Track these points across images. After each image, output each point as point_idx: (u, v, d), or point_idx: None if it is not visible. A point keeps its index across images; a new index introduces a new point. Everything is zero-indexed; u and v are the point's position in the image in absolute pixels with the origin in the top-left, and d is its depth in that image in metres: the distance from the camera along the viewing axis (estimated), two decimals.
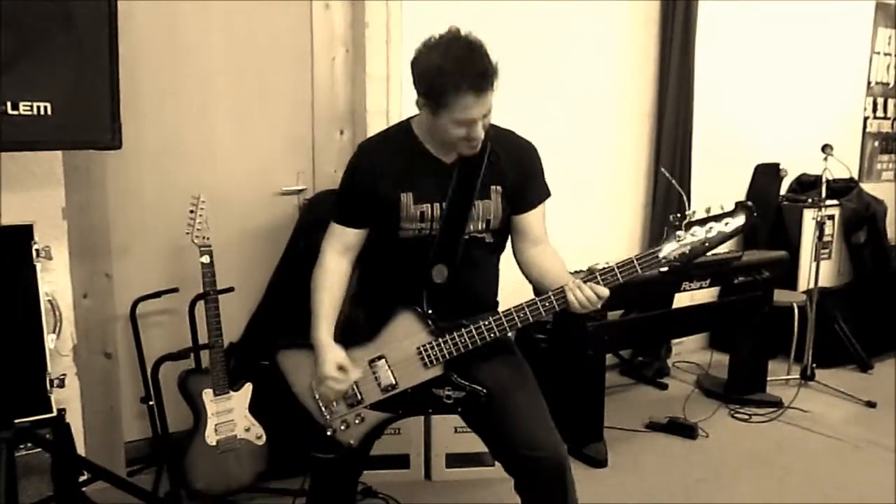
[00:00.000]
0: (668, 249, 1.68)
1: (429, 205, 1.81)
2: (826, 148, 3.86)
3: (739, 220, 1.69)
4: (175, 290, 2.72)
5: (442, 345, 1.79)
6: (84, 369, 2.62)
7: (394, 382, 1.83)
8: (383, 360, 1.84)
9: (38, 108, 1.83)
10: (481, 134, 1.72)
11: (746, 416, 3.47)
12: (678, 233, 1.68)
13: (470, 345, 1.77)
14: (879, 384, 3.94)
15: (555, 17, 3.63)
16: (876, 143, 5.52)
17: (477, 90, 1.64)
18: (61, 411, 2.23)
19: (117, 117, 1.98)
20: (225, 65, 2.88)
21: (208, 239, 2.42)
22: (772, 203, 4.53)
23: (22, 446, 2.23)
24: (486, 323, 1.76)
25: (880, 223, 4.88)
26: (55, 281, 2.48)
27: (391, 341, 1.83)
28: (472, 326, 1.77)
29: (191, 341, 2.65)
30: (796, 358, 3.94)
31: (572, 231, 3.54)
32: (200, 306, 2.51)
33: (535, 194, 1.91)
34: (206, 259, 2.42)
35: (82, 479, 2.40)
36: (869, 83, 5.33)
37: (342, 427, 1.87)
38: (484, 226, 1.86)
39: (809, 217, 4.34)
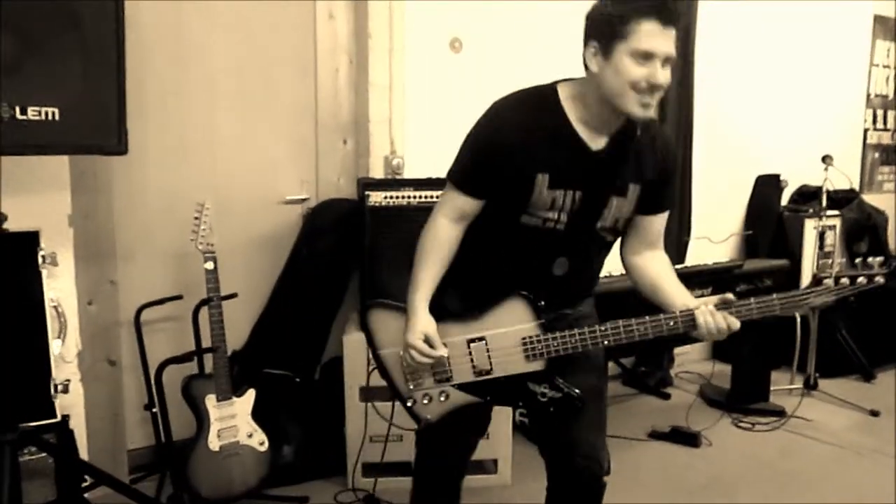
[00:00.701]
0: (818, 300, 1.63)
1: (563, 192, 1.63)
2: (826, 158, 3.88)
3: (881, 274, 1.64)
4: (179, 298, 2.73)
5: (550, 341, 1.68)
6: (88, 375, 2.63)
7: (489, 368, 1.74)
8: (483, 343, 1.73)
9: (47, 112, 1.85)
10: (664, 80, 1.51)
11: (749, 425, 3.47)
12: (826, 281, 1.62)
13: (580, 347, 1.67)
14: (882, 393, 3.93)
15: (555, 28, 3.66)
16: (876, 155, 5.54)
17: (663, 20, 1.48)
18: (65, 417, 2.25)
19: (124, 122, 1.99)
20: (229, 73, 2.92)
21: (212, 245, 2.44)
22: (773, 213, 4.54)
23: (26, 451, 2.24)
24: (603, 330, 1.66)
25: (881, 233, 4.89)
26: (60, 287, 2.49)
27: (496, 326, 1.72)
28: (586, 330, 1.67)
29: (194, 347, 2.66)
30: (799, 367, 3.93)
31: None
32: (204, 312, 2.52)
33: (667, 198, 1.79)
34: (210, 265, 2.43)
35: (85, 484, 2.40)
36: (868, 95, 5.36)
37: (424, 401, 1.79)
38: (612, 223, 1.71)
39: (811, 227, 4.35)
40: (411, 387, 1.79)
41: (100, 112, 1.96)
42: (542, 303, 1.70)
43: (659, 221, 1.80)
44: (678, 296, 1.71)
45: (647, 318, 1.66)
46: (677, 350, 4.23)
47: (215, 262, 2.44)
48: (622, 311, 3.20)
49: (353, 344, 2.68)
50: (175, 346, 2.80)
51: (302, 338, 3.04)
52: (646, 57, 1.49)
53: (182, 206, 2.65)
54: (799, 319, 3.84)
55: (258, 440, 2.52)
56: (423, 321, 1.71)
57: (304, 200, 3.12)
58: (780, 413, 3.56)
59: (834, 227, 4.69)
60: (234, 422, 2.48)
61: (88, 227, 2.59)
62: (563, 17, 3.66)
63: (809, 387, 3.84)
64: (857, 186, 5.01)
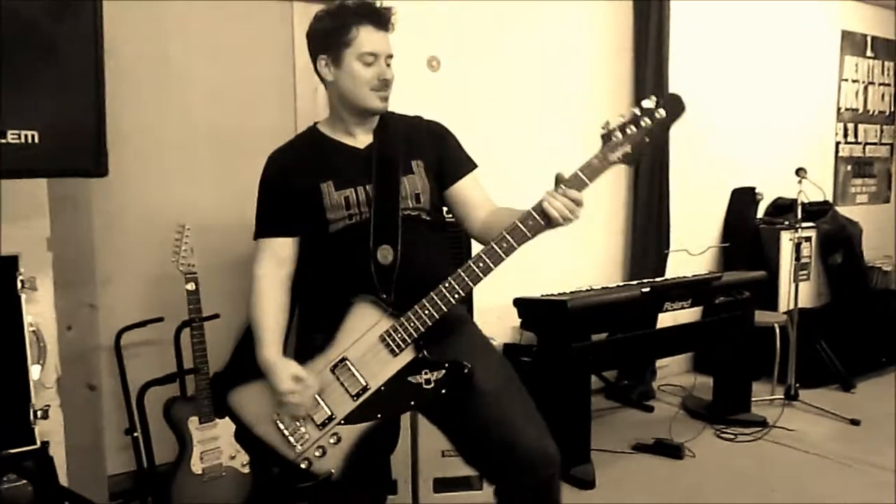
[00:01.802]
0: (613, 155, 1.59)
1: (351, 189, 1.73)
2: (800, 171, 3.95)
3: (670, 109, 1.62)
4: (160, 320, 2.72)
5: (406, 324, 1.63)
6: (67, 401, 2.59)
7: (364, 384, 1.66)
8: (346, 363, 1.67)
9: (26, 136, 1.84)
10: (391, 75, 1.73)
11: (732, 436, 3.49)
12: (615, 136, 1.59)
13: (436, 313, 1.62)
14: (862, 402, 3.98)
15: (530, 48, 3.73)
16: (849, 168, 5.67)
17: (379, 24, 1.70)
18: (44, 443, 2.21)
19: (104, 144, 1.99)
20: (208, 94, 2.94)
21: (193, 266, 2.44)
22: (750, 226, 4.62)
23: (4, 478, 2.20)
24: (447, 283, 1.61)
25: (856, 244, 4.98)
26: (39, 312, 2.46)
27: (350, 339, 1.67)
28: (432, 293, 1.62)
29: (176, 369, 2.64)
30: (780, 378, 3.98)
31: (551, 256, 3.60)
32: (186, 334, 2.51)
33: (458, 163, 1.86)
34: (191, 286, 2.43)
35: None
36: (839, 109, 5.49)
37: (317, 454, 1.68)
38: (415, 202, 1.77)
39: (787, 239, 4.43)
40: (299, 447, 1.69)
41: (79, 135, 1.95)
42: (384, 295, 1.67)
43: (470, 186, 1.85)
44: (519, 213, 1.65)
45: (502, 231, 1.60)
46: (659, 363, 4.26)
47: (196, 283, 2.44)
48: (625, 321, 3.20)
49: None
50: (156, 369, 2.77)
51: None
52: (372, 57, 1.70)
53: (161, 229, 2.65)
54: (778, 330, 3.89)
55: (241, 462, 2.51)
56: (284, 368, 1.68)
57: None
58: (761, 423, 3.59)
59: (809, 238, 4.78)
60: (217, 444, 2.47)
61: (67, 251, 2.57)
62: (538, 38, 3.75)
63: (790, 397, 3.88)
64: (830, 198, 5.11)
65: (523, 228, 1.59)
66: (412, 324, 1.63)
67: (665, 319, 3.61)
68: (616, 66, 4.08)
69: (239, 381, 2.85)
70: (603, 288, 3.32)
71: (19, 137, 1.83)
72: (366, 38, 1.69)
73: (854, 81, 5.58)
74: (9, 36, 1.84)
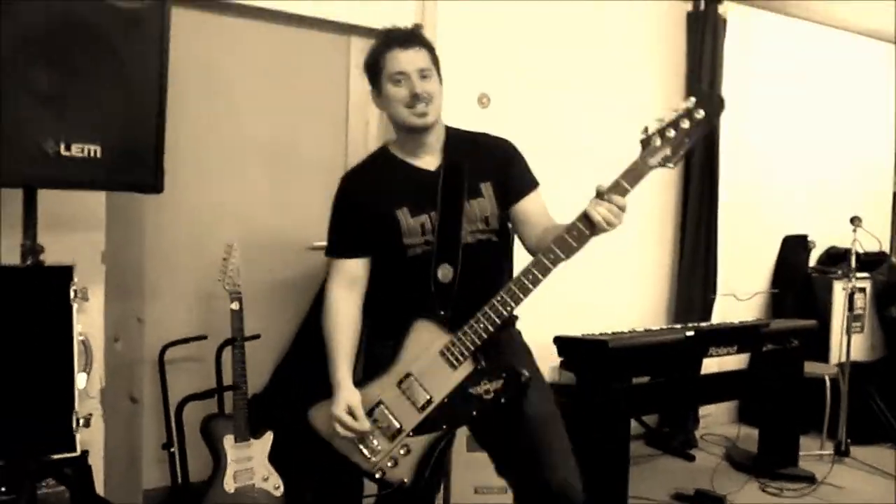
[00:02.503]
0: (653, 160, 1.61)
1: (426, 215, 1.81)
2: (855, 220, 3.86)
3: (702, 110, 1.59)
4: (204, 338, 2.75)
5: (463, 338, 1.71)
6: (110, 412, 2.64)
7: (428, 397, 1.75)
8: (411, 378, 1.76)
9: (89, 150, 1.90)
10: (421, 88, 1.76)
11: (777, 491, 3.35)
12: (654, 140, 1.61)
13: (490, 326, 1.69)
14: None
15: (579, 85, 3.74)
16: None
17: (403, 44, 1.78)
18: (84, 452, 2.25)
19: (161, 160, 2.04)
20: (261, 120, 3.01)
21: (239, 286, 2.48)
22: (801, 274, 4.49)
23: (44, 482, 2.24)
24: (499, 296, 1.67)
25: None
26: (89, 322, 2.52)
27: (414, 356, 1.76)
28: (485, 307, 1.68)
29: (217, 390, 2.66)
30: (830, 433, 3.82)
31: (595, 296, 3.56)
32: (227, 353, 2.54)
33: (522, 182, 1.89)
34: (235, 305, 2.47)
35: None
36: None
37: (390, 465, 1.78)
38: (484, 225, 1.84)
39: (840, 288, 4.28)
40: (373, 459, 1.79)
41: (139, 151, 2.00)
42: (443, 312, 1.74)
43: (533, 204, 1.88)
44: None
45: (544, 248, 1.65)
46: (702, 411, 4.14)
47: (241, 303, 2.48)
48: (668, 364, 3.10)
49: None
50: (197, 386, 2.80)
51: (322, 384, 3.03)
52: (400, 76, 1.77)
53: (210, 248, 2.71)
54: (829, 383, 3.75)
55: (273, 484, 2.51)
56: (346, 394, 1.79)
57: None
58: (809, 479, 3.44)
59: (864, 289, 4.61)
60: (251, 464, 2.47)
61: (119, 263, 2.64)
62: (587, 75, 3.76)
63: (841, 453, 3.72)
64: (887, 249, 4.95)
65: (569, 239, 1.63)
66: (469, 338, 1.71)
67: (710, 366, 3.52)
68: (667, 103, 4.06)
69: (279, 402, 2.90)
70: (646, 330, 3.25)
71: (83, 151, 1.89)
72: (392, 59, 1.78)
73: None
74: (77, 48, 1.88)
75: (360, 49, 3.16)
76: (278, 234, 3.06)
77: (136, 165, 2.01)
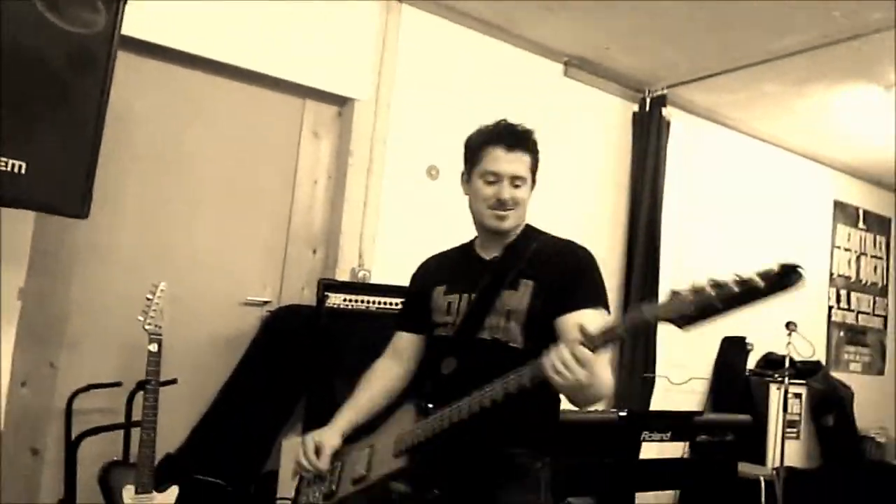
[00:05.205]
0: (652, 310, 1.34)
1: (457, 296, 1.72)
2: (790, 325, 3.94)
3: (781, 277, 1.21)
4: (118, 384, 2.62)
5: (414, 432, 1.59)
6: (7, 462, 2.45)
7: (364, 473, 1.67)
8: (367, 450, 1.71)
9: (13, 165, 1.88)
10: (509, 195, 1.67)
11: None
12: (682, 291, 1.30)
13: (437, 429, 1.53)
14: None
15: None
16: (841, 334, 5.63)
17: (507, 145, 1.68)
18: None
19: (91, 187, 2.03)
20: (213, 174, 3.02)
21: (160, 328, 2.39)
22: (740, 375, 4.53)
23: None
24: (456, 406, 1.49)
25: (848, 408, 4.85)
26: None
27: (384, 432, 1.70)
28: (444, 410, 1.52)
29: (124, 431, 2.51)
30: None
31: None
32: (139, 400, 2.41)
33: (573, 296, 1.63)
34: (154, 347, 2.37)
35: None
36: (832, 274, 5.55)
37: None
38: (504, 320, 1.64)
39: (776, 392, 4.32)
40: (303, 499, 1.79)
41: (67, 174, 2.00)
42: (430, 405, 1.61)
43: (577, 318, 1.56)
44: None
45: (508, 374, 1.44)
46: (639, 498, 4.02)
47: (160, 346, 2.38)
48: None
49: (292, 449, 2.54)
50: (106, 440, 2.64)
51: (243, 447, 2.89)
52: (493, 177, 1.68)
53: (143, 295, 2.61)
54: (764, 485, 3.71)
55: None
56: (329, 431, 1.76)
57: (265, 303, 3.09)
58: None
59: (799, 395, 4.66)
60: None
61: (40, 307, 2.55)
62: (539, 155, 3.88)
63: None
64: (823, 360, 5.04)
65: (517, 377, 1.43)
66: (416, 433, 1.59)
67: (650, 452, 3.45)
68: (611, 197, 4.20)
69: (193, 467, 2.73)
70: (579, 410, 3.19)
71: (6, 165, 1.87)
72: (491, 157, 1.69)
73: (846, 250, 5.68)
74: (31, 78, 1.95)
75: (314, 112, 3.25)
76: (214, 285, 3.00)
77: (63, 188, 1.99)
